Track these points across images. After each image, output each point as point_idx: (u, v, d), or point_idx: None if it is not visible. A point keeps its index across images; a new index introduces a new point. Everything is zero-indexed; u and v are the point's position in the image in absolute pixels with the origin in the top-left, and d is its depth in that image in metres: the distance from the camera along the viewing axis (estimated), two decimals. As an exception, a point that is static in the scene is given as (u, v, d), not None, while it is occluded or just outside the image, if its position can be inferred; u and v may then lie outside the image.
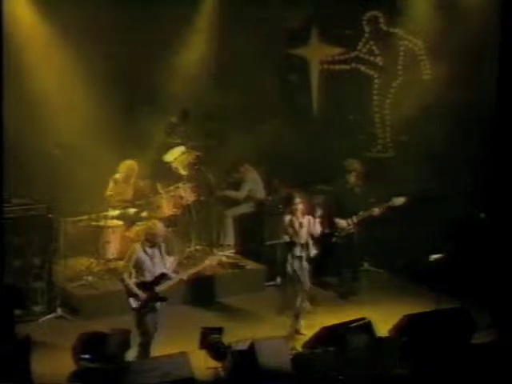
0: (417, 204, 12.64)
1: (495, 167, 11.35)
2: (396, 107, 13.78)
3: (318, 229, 10.61)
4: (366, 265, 13.13)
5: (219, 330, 9.54)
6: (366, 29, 13.93)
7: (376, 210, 11.87)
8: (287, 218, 10.62)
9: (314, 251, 10.65)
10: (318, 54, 14.25)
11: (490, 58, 11.58)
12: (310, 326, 10.35)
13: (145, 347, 9.50)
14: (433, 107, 12.92)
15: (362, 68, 14.10)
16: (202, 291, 11.86)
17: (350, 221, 11.93)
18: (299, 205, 10.58)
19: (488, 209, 11.64)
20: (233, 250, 12.89)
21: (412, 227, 12.60)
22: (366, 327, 9.71)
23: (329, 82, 14.23)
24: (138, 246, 9.57)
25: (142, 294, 9.45)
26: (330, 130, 14.01)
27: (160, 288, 9.51)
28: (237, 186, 13.13)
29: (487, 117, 11.72)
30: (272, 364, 9.07)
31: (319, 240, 10.81)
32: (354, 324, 9.68)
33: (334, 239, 11.90)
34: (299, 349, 9.82)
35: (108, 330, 9.40)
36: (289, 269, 10.57)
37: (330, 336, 9.50)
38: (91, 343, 8.96)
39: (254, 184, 13.10)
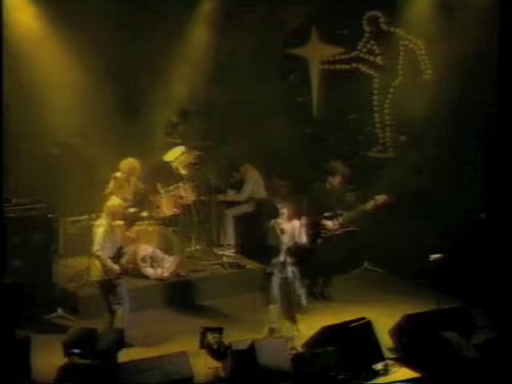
0: (416, 204, 12.66)
1: (495, 167, 11.35)
2: (396, 107, 13.78)
3: (302, 237, 10.32)
4: (365, 264, 13.12)
5: (219, 330, 9.54)
6: (366, 29, 13.94)
7: (361, 209, 11.52)
8: (272, 222, 10.31)
9: (293, 258, 10.28)
10: (318, 53, 14.25)
11: (489, 57, 11.56)
12: (310, 326, 10.33)
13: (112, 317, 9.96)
14: (432, 107, 12.92)
15: (362, 68, 14.10)
16: (202, 291, 11.86)
17: (335, 221, 11.63)
18: (283, 210, 10.27)
19: (488, 209, 11.64)
20: (233, 250, 12.90)
21: (412, 227, 12.59)
22: (366, 327, 9.73)
23: (329, 81, 14.23)
24: (105, 223, 9.90)
25: (117, 268, 9.84)
26: (329, 130, 14.03)
27: (122, 261, 9.95)
28: (237, 185, 13.14)
29: (487, 116, 11.73)
30: (272, 364, 9.08)
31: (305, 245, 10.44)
32: (354, 324, 9.68)
33: (319, 240, 11.58)
34: (299, 349, 9.82)
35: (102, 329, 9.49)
36: (275, 274, 10.28)
37: (329, 336, 9.51)
38: (82, 339, 8.99)
39: (254, 184, 13.11)
